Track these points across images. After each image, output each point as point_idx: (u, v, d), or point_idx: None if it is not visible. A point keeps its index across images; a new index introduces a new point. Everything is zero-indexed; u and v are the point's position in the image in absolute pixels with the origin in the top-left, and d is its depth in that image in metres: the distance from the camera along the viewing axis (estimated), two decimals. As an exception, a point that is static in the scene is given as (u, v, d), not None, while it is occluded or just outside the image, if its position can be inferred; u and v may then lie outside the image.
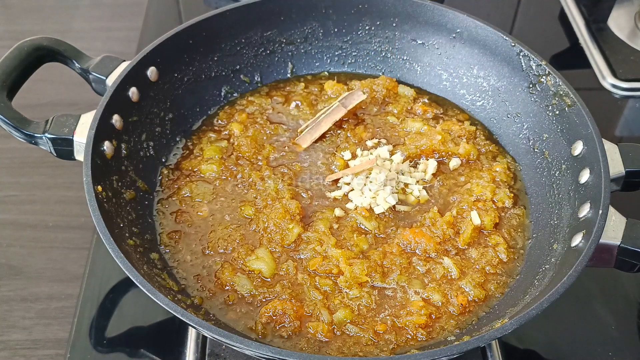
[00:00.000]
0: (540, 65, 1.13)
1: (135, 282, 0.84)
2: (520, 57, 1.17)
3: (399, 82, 1.30)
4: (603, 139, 1.00)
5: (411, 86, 1.30)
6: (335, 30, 1.31)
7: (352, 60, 1.34)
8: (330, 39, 1.32)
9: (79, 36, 1.66)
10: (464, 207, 1.08)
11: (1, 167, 1.33)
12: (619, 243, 0.90)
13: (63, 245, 1.19)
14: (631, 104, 1.45)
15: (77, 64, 1.12)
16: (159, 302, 0.82)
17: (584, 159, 1.01)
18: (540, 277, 0.95)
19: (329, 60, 1.34)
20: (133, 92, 1.09)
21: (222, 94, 1.27)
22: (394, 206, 1.09)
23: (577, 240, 0.92)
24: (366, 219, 1.06)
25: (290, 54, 1.31)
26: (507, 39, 1.18)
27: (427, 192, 1.12)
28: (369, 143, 1.19)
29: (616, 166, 0.99)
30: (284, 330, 0.94)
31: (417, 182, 1.13)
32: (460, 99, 1.28)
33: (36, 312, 1.10)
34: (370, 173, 1.12)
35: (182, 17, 1.66)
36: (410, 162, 1.17)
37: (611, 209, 0.92)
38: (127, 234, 0.98)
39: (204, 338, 1.02)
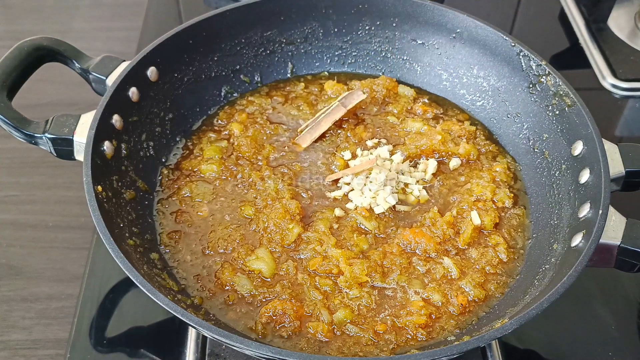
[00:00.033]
0: (540, 65, 1.13)
1: (135, 282, 0.84)
2: (520, 57, 1.17)
3: (399, 82, 1.30)
4: (603, 139, 1.00)
5: (411, 86, 1.30)
6: (335, 30, 1.31)
7: (352, 60, 1.34)
8: (330, 39, 1.32)
9: (79, 36, 1.66)
10: (464, 207, 1.08)
11: (1, 167, 1.33)
12: (619, 243, 0.90)
13: (63, 245, 1.19)
14: (631, 104, 1.45)
15: (77, 64, 1.12)
16: (159, 302, 0.82)
17: (584, 159, 1.01)
18: (540, 277, 0.95)
19: (329, 60, 1.34)
20: (133, 92, 1.09)
21: (222, 94, 1.27)
22: (394, 206, 1.09)
23: (577, 240, 0.92)
24: (366, 219, 1.06)
25: (290, 54, 1.31)
26: (507, 39, 1.18)
27: (427, 192, 1.12)
28: (369, 143, 1.19)
29: (616, 166, 0.99)
30: (284, 330, 0.94)
31: (417, 182, 1.13)
32: (460, 99, 1.28)
33: (36, 312, 1.10)
34: (370, 173, 1.12)
35: (182, 17, 1.66)
36: (410, 162, 1.17)
37: (611, 209, 0.92)
38: (127, 234, 0.98)
39: (204, 338, 1.02)
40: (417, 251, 1.03)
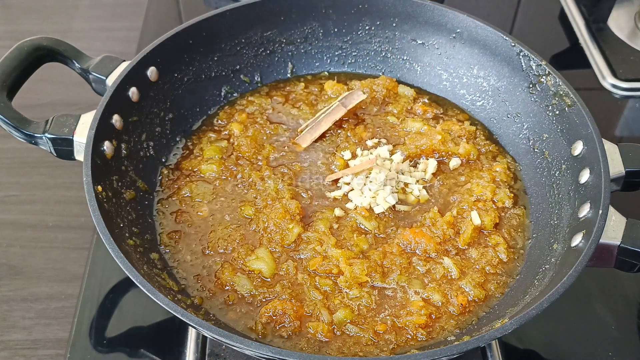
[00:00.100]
0: (540, 65, 1.13)
1: (135, 282, 0.84)
2: (520, 57, 1.17)
3: (399, 82, 1.30)
4: (603, 139, 1.00)
5: (411, 86, 1.30)
6: (335, 30, 1.31)
7: (352, 60, 1.34)
8: (330, 39, 1.32)
9: (79, 36, 1.66)
10: (464, 207, 1.08)
11: (1, 167, 1.33)
12: (619, 243, 0.90)
13: (63, 245, 1.19)
14: (631, 104, 1.45)
15: (77, 64, 1.12)
16: (159, 302, 0.82)
17: (584, 159, 1.01)
18: (540, 277, 0.95)
19: (329, 60, 1.34)
20: (133, 92, 1.09)
21: (222, 94, 1.27)
22: (394, 206, 1.09)
23: (577, 240, 0.92)
24: (366, 219, 1.06)
25: (290, 54, 1.31)
26: (507, 39, 1.18)
27: (427, 192, 1.12)
28: (369, 143, 1.19)
29: (616, 166, 0.99)
30: (284, 330, 0.94)
31: (417, 181, 1.13)
32: (460, 99, 1.28)
33: (36, 312, 1.10)
34: (370, 173, 1.12)
35: (182, 17, 1.66)
36: (410, 161, 1.17)
37: (611, 209, 0.92)
38: (127, 234, 0.98)
39: (204, 338, 1.02)
40: (417, 251, 1.03)
